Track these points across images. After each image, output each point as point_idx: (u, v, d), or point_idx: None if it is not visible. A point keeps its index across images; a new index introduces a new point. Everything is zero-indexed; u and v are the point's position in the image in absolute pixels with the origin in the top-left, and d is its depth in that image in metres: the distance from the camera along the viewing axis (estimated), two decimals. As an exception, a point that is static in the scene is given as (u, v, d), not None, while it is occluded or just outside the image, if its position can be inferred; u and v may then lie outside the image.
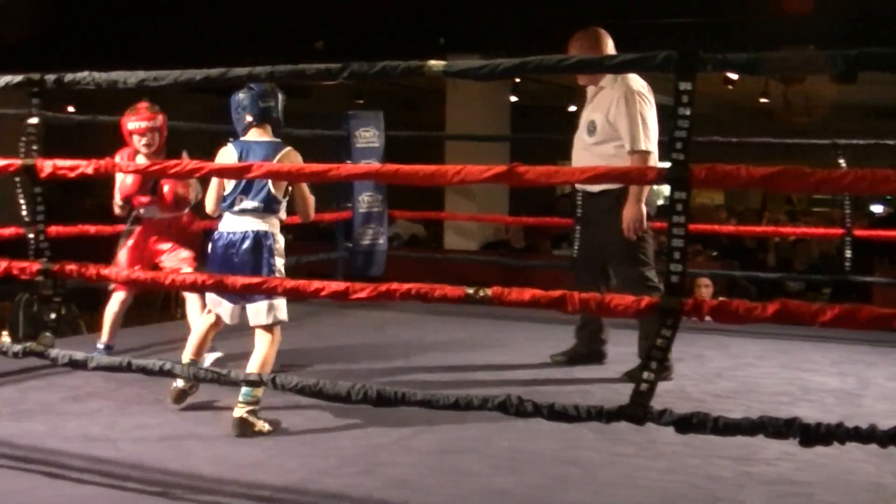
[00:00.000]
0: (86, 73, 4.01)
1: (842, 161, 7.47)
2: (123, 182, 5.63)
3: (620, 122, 5.49)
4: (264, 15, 12.45)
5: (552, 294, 3.41)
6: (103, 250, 5.88)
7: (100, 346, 5.84)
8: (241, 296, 4.60)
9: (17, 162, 4.17)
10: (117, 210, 5.79)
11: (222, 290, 4.56)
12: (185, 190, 5.66)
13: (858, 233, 7.97)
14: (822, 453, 3.70)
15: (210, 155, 4.74)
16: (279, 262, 4.71)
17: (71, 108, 13.76)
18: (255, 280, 4.24)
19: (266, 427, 4.47)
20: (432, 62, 3.52)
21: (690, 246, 8.25)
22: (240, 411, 4.44)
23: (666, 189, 3.35)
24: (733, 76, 13.11)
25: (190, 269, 5.55)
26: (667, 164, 3.28)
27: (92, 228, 6.85)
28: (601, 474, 4.04)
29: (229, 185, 4.69)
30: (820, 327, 3.17)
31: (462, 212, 12.29)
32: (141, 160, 5.58)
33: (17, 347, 4.14)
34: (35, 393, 5.13)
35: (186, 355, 4.80)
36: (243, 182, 4.64)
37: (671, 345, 3.28)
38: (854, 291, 9.74)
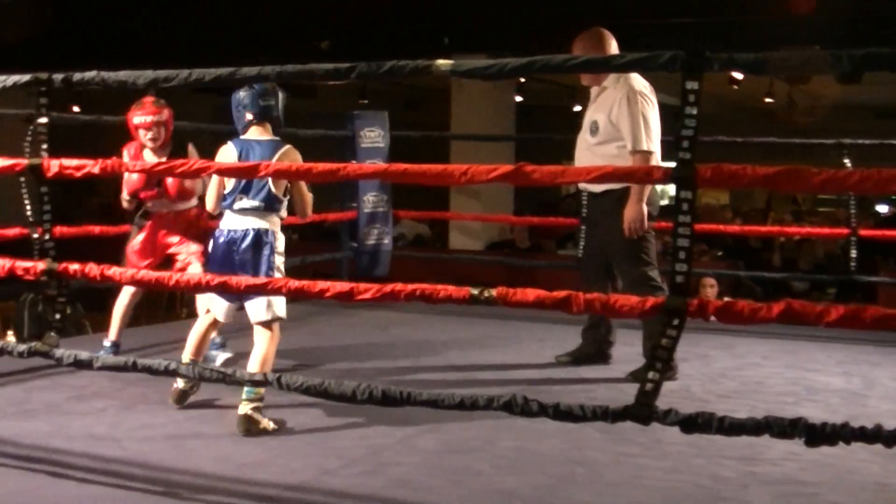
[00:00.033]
0: (94, 73, 4.02)
1: (847, 161, 7.46)
2: (129, 177, 5.64)
3: (622, 123, 5.49)
4: (269, 15, 12.47)
5: (557, 295, 3.41)
6: (109, 250, 5.89)
7: (106, 343, 5.85)
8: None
9: (24, 161, 4.17)
10: (125, 204, 5.81)
11: (226, 292, 4.58)
12: (191, 181, 5.68)
13: (864, 233, 7.95)
14: (827, 453, 3.69)
15: (212, 154, 4.76)
16: (279, 260, 4.73)
17: (76, 109, 13.78)
18: (260, 281, 4.25)
19: (271, 425, 4.48)
20: (440, 62, 3.52)
21: (695, 245, 8.27)
22: (244, 408, 4.45)
23: (668, 189, 3.35)
24: (738, 76, 13.13)
25: (199, 264, 5.58)
26: (670, 164, 3.28)
27: (97, 229, 6.86)
28: (606, 474, 4.04)
29: (229, 183, 4.71)
30: (825, 327, 3.17)
31: (467, 212, 12.31)
32: (147, 154, 5.65)
33: (23, 347, 4.14)
34: (40, 392, 5.14)
35: (186, 355, 4.81)
36: (243, 181, 4.66)
37: (676, 345, 3.28)
38: (859, 291, 9.72)
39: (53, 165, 4.06)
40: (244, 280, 4.11)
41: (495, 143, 12.64)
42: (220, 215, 4.83)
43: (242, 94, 4.78)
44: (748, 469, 4.10)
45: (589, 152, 5.67)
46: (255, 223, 4.69)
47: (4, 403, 4.93)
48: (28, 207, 5.68)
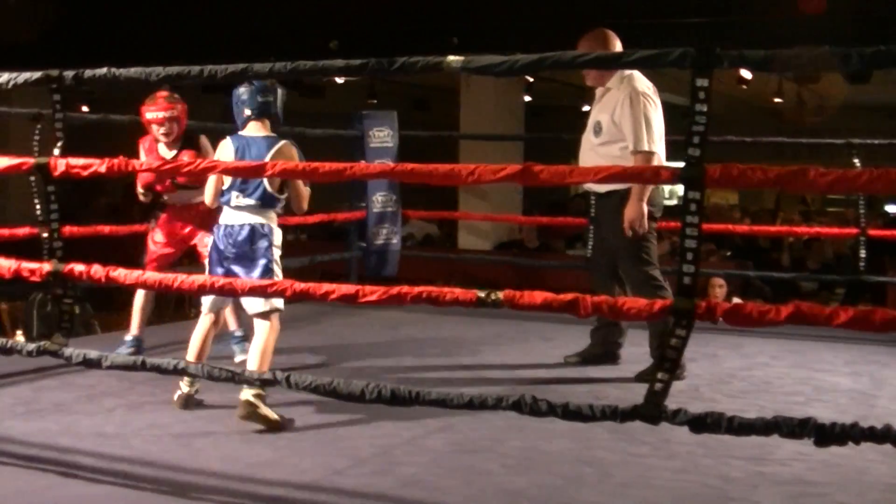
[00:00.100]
0: (105, 70, 4.02)
1: (856, 161, 7.45)
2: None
3: (625, 123, 5.50)
4: (278, 15, 12.46)
5: (564, 297, 3.40)
6: (119, 249, 5.90)
7: (128, 338, 5.89)
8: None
9: (31, 160, 4.18)
10: (141, 198, 5.84)
11: (231, 295, 4.61)
12: None
13: (873, 233, 7.93)
14: (836, 453, 3.69)
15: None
16: (277, 254, 4.79)
17: (85, 108, 13.78)
18: (265, 283, 4.26)
19: (273, 415, 4.49)
20: (451, 58, 3.53)
21: (704, 245, 8.25)
22: (246, 394, 4.46)
23: (678, 189, 3.34)
24: (747, 76, 13.10)
25: None
26: (678, 164, 3.28)
27: (106, 228, 6.87)
28: (615, 474, 4.03)
29: (227, 179, 4.77)
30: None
31: (476, 212, 12.30)
32: (162, 147, 5.74)
33: (32, 346, 4.14)
34: (49, 392, 5.15)
35: (189, 358, 4.81)
36: (239, 179, 4.72)
37: (685, 346, 3.28)
38: (868, 291, 9.70)
39: (60, 164, 4.06)
40: (249, 282, 4.12)
41: (504, 143, 12.64)
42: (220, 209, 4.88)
43: (242, 91, 4.84)
44: (757, 469, 4.09)
45: (592, 153, 5.68)
46: (251, 218, 4.75)
47: (14, 403, 4.94)
48: (38, 207, 5.70)
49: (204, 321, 4.89)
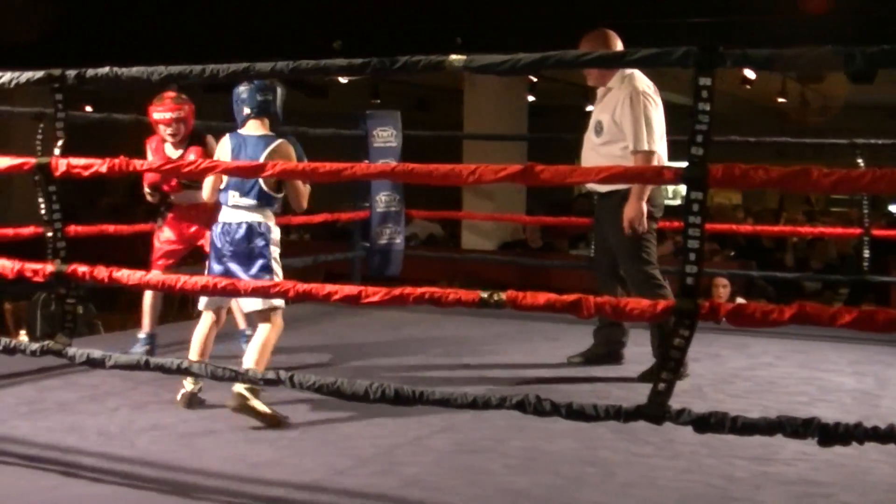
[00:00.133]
0: (107, 69, 4.02)
1: (860, 161, 7.44)
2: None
3: (625, 123, 5.51)
4: (281, 15, 12.47)
5: (567, 298, 3.40)
6: (123, 249, 5.90)
7: (142, 335, 5.90)
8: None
9: (32, 160, 4.18)
10: (148, 198, 5.85)
11: (234, 296, 4.61)
12: None
13: (876, 233, 7.92)
14: (840, 453, 3.68)
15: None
16: (275, 252, 4.81)
17: (89, 108, 13.80)
18: (267, 283, 4.26)
19: (264, 408, 4.50)
20: (453, 57, 3.52)
21: (707, 245, 8.25)
22: (239, 386, 4.46)
23: (682, 188, 3.34)
24: (751, 76, 13.10)
25: None
26: (681, 164, 3.27)
27: (111, 228, 6.87)
28: (619, 474, 4.03)
29: (225, 178, 4.78)
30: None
31: (479, 211, 12.31)
32: (168, 148, 5.74)
33: (35, 346, 4.13)
34: (53, 392, 5.15)
35: (192, 357, 4.81)
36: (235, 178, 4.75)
37: (688, 346, 3.27)
38: (871, 291, 9.70)
39: (61, 164, 4.06)
40: (252, 283, 4.12)
41: (507, 143, 12.65)
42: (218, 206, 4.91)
43: (241, 89, 4.85)
44: (761, 469, 4.09)
45: (594, 152, 5.68)
46: (248, 217, 4.77)
47: (17, 403, 4.94)
48: (42, 206, 5.70)
49: (205, 320, 4.90)
